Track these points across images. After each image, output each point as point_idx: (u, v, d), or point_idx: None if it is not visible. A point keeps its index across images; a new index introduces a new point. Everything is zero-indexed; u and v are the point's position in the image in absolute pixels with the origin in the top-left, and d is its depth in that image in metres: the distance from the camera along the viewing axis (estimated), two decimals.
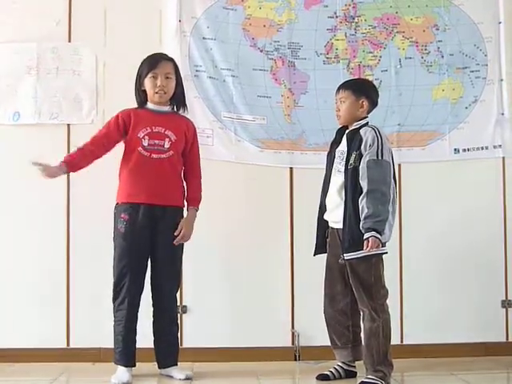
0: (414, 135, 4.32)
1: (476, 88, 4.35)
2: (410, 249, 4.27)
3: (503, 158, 4.35)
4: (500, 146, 4.34)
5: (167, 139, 3.68)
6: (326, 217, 3.71)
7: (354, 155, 3.54)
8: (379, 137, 3.51)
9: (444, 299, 4.26)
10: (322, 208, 3.74)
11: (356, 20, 4.32)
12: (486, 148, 4.35)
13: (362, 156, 3.51)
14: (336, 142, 3.74)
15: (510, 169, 4.35)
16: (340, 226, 3.56)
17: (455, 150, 4.34)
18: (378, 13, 4.34)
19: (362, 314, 3.59)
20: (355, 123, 3.63)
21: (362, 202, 3.45)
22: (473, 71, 4.36)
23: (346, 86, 3.72)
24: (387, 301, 3.58)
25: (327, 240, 3.72)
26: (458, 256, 4.27)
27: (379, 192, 3.44)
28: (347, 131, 3.66)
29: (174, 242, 3.67)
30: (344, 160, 3.59)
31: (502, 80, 4.35)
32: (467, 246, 4.28)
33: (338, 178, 3.62)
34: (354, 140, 3.57)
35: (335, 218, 3.61)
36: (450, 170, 4.33)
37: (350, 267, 3.54)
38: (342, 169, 3.59)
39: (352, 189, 3.51)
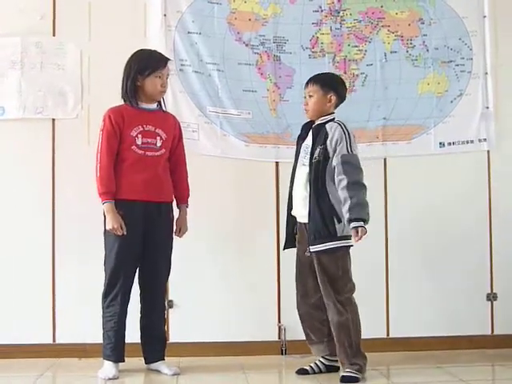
0: (400, 129, 4.32)
1: (461, 82, 4.37)
2: (395, 243, 4.28)
3: (488, 151, 4.37)
4: (485, 139, 4.36)
5: (158, 137, 3.69)
6: (293, 212, 3.71)
7: (318, 149, 3.55)
8: (346, 132, 3.53)
9: (430, 292, 4.28)
10: (291, 202, 3.75)
11: (341, 14, 4.32)
12: (471, 142, 4.37)
13: (326, 151, 3.52)
14: (302, 137, 3.74)
15: (495, 162, 4.37)
16: (306, 219, 3.57)
17: (440, 143, 4.36)
18: (363, 7, 4.34)
19: (327, 307, 3.58)
20: (321, 118, 3.64)
21: (344, 194, 3.45)
22: (458, 65, 4.37)
23: (314, 80, 3.70)
24: (363, 295, 3.59)
25: (296, 236, 3.72)
26: (444, 249, 4.30)
27: (359, 183, 3.47)
28: (313, 125, 3.67)
29: (178, 236, 3.80)
30: (309, 154, 3.59)
31: (486, 74, 4.37)
32: (453, 240, 4.30)
33: (303, 171, 3.63)
34: (320, 134, 3.58)
35: (302, 211, 3.61)
36: (436, 164, 4.34)
37: (318, 260, 3.54)
38: (307, 162, 3.59)
39: (315, 182, 3.52)
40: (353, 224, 3.43)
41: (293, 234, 3.74)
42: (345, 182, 3.46)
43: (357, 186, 3.46)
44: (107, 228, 3.59)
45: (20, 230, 4.10)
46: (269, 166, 4.28)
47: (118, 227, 3.56)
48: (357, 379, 3.47)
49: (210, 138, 4.25)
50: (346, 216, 3.44)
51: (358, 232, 3.42)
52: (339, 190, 3.48)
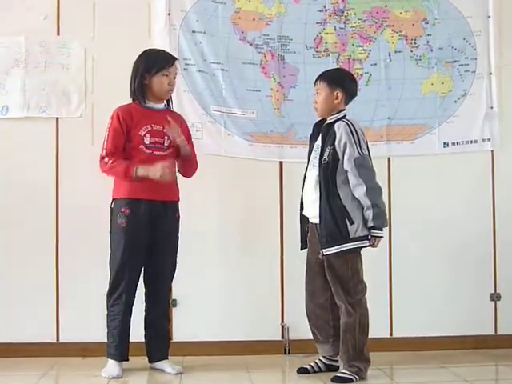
0: (404, 129, 4.32)
1: (465, 82, 4.37)
2: (399, 242, 4.28)
3: (492, 151, 4.37)
4: (489, 139, 4.36)
5: (166, 137, 3.69)
6: (305, 212, 3.70)
7: (327, 150, 3.53)
8: (354, 132, 3.50)
9: (433, 292, 4.28)
10: (302, 203, 3.73)
11: (345, 13, 4.32)
12: (475, 142, 4.37)
13: (335, 152, 3.50)
14: (314, 137, 3.72)
15: (499, 162, 4.37)
16: (317, 220, 3.56)
17: (444, 143, 4.36)
18: (367, 6, 4.34)
19: (339, 308, 3.57)
20: (331, 116, 3.61)
21: (365, 200, 3.45)
22: (462, 65, 4.37)
23: (322, 77, 3.68)
24: (366, 295, 3.57)
25: (308, 235, 3.72)
26: (447, 249, 4.29)
27: (376, 187, 3.49)
28: (323, 125, 3.64)
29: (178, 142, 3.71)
30: (319, 154, 3.58)
31: (490, 74, 4.37)
32: (456, 240, 4.29)
33: (313, 173, 3.61)
34: (329, 135, 3.55)
35: (313, 212, 3.60)
36: (439, 164, 4.34)
37: (328, 262, 3.54)
38: (317, 163, 3.58)
39: (325, 184, 3.50)
40: (373, 232, 3.48)
41: (306, 234, 3.73)
42: (364, 188, 3.45)
43: (376, 192, 3.48)
44: (156, 177, 3.55)
45: (23, 229, 4.11)
46: (273, 166, 4.28)
47: (163, 172, 3.55)
48: (350, 380, 3.45)
49: (213, 138, 4.25)
50: (368, 223, 3.47)
51: (374, 241, 3.49)
52: (357, 195, 3.47)
